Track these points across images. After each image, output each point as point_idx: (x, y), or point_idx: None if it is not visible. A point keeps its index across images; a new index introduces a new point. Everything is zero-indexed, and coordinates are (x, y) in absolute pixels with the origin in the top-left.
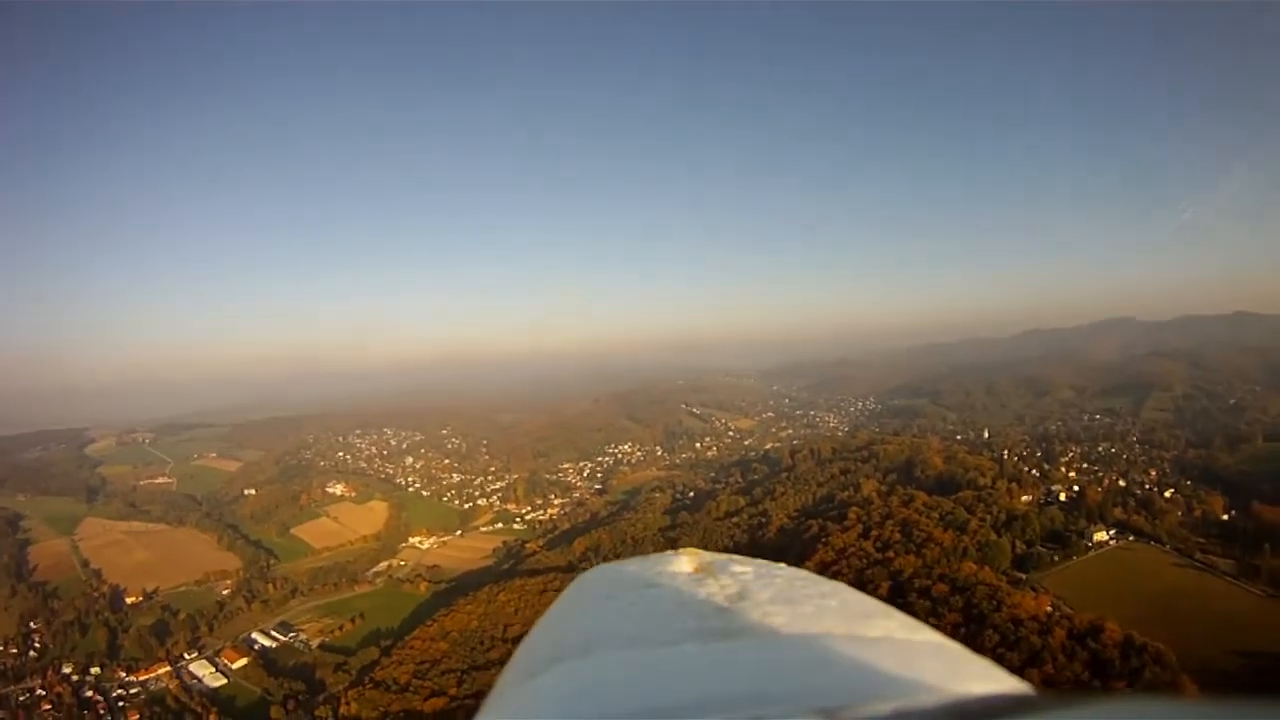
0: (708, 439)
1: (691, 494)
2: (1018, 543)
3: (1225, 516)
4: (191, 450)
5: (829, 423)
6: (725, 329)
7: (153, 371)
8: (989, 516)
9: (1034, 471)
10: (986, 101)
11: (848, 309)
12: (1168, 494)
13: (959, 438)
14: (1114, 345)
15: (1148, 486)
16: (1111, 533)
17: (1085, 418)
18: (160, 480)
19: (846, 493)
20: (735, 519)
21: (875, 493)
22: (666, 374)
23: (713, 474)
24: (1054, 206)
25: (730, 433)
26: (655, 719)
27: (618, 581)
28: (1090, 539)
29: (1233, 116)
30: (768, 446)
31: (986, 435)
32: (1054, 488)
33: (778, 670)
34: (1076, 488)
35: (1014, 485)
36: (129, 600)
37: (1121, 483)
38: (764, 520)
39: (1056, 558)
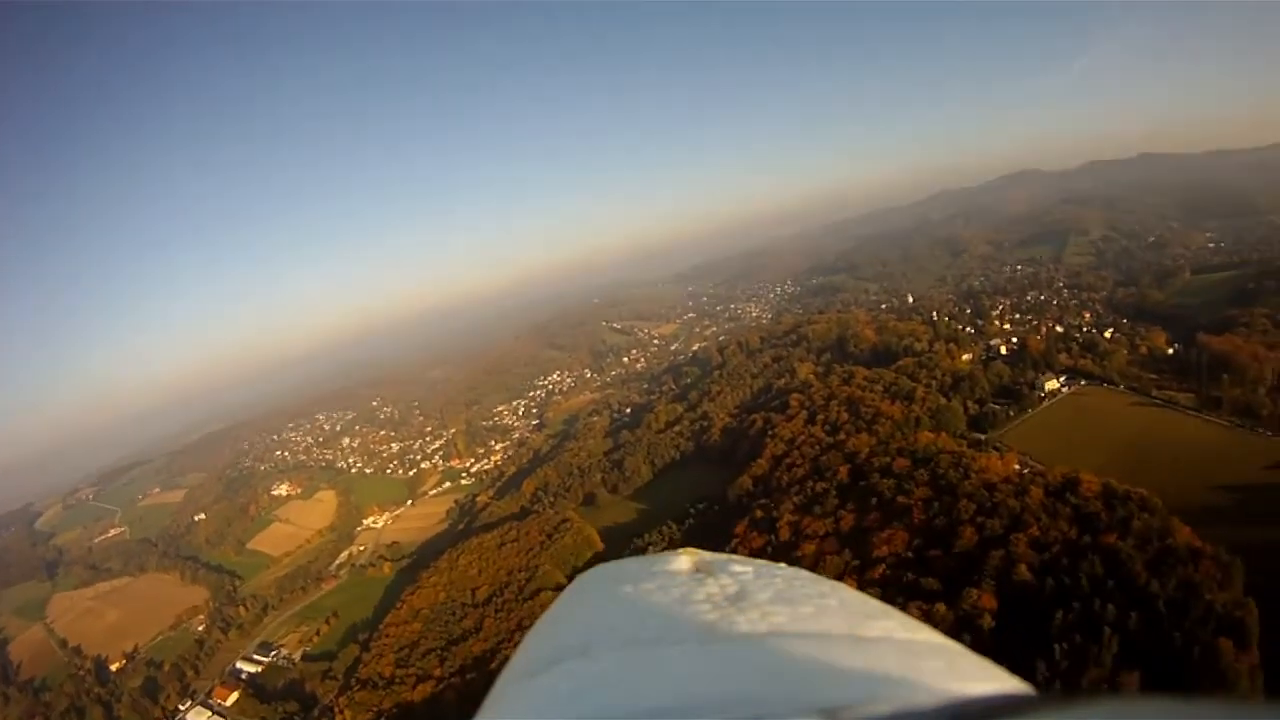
0: (634, 351)
1: (629, 410)
2: (969, 403)
3: (1170, 350)
4: (135, 492)
5: (751, 313)
6: (631, 241)
7: (79, 426)
8: (934, 381)
9: (968, 329)
10: None
11: (749, 200)
12: (1108, 334)
13: (884, 307)
14: (1024, 197)
15: (1085, 329)
16: (1062, 379)
17: (1007, 270)
18: (113, 533)
19: (783, 380)
20: (677, 428)
21: (812, 375)
22: (581, 296)
23: (646, 385)
24: (946, 66)
25: (655, 341)
26: (655, 719)
27: (617, 581)
28: (1042, 389)
29: None
30: (695, 348)
31: (911, 300)
32: (993, 342)
33: (778, 670)
34: (1015, 339)
35: (952, 346)
36: (113, 667)
37: (1059, 329)
38: (706, 424)
39: (1012, 413)
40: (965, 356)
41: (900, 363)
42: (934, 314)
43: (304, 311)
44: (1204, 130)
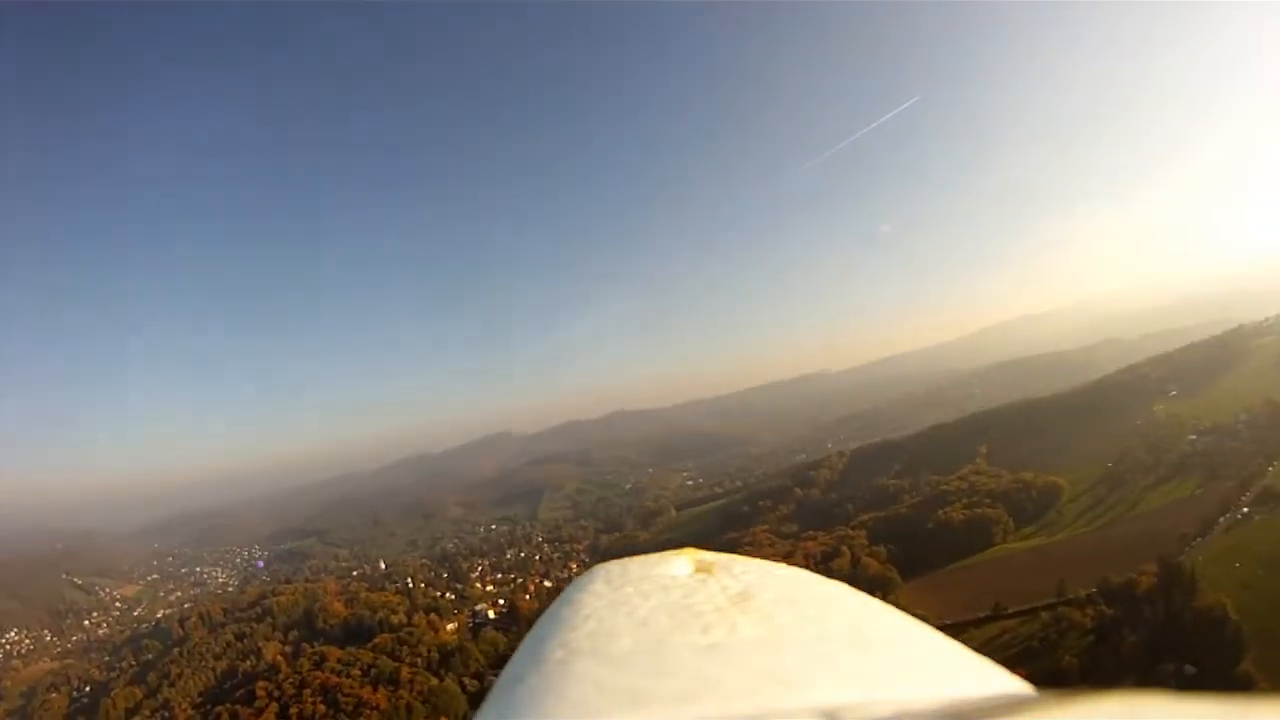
0: (96, 614)
1: (89, 688)
2: (466, 680)
3: None
4: None
5: (217, 578)
6: (94, 482)
7: None
8: (419, 659)
9: (449, 595)
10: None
11: (212, 456)
12: None
13: (355, 574)
14: (495, 460)
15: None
16: None
17: (482, 530)
18: None
19: (249, 662)
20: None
21: (280, 656)
22: (40, 537)
23: (108, 657)
24: (412, 336)
25: (118, 604)
26: (655, 719)
27: (619, 582)
28: None
29: (599, 248)
30: (160, 614)
31: (384, 567)
32: (479, 607)
33: (779, 670)
34: (503, 601)
35: (434, 616)
36: None
37: (548, 584)
38: (168, 715)
39: None
40: (450, 627)
41: (378, 640)
42: (409, 581)
43: None
44: (670, 385)
